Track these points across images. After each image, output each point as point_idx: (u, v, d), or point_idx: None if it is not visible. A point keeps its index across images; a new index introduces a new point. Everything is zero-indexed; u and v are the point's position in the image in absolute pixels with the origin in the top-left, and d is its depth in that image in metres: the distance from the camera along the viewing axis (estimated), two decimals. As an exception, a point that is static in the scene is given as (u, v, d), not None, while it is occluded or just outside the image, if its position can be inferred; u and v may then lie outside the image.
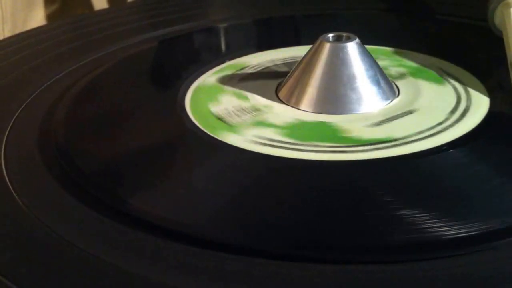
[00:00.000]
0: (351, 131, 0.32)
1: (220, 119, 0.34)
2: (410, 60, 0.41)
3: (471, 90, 0.37)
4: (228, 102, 0.36)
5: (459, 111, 0.34)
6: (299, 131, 0.33)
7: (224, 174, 0.30)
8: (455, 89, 0.37)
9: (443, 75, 0.39)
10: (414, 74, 0.39)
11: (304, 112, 0.35)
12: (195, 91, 0.38)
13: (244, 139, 0.32)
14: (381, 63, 0.37)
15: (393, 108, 0.35)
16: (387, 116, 0.34)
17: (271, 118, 0.34)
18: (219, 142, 0.32)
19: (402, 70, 0.40)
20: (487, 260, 0.24)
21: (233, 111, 0.35)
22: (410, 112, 0.34)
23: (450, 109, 0.34)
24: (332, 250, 0.25)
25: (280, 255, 0.24)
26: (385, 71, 0.37)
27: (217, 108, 0.36)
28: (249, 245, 0.25)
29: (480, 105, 0.35)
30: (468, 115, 0.34)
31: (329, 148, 0.31)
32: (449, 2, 0.54)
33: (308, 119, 0.34)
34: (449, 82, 0.38)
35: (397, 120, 0.33)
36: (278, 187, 0.29)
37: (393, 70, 0.39)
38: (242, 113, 0.35)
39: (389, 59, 0.41)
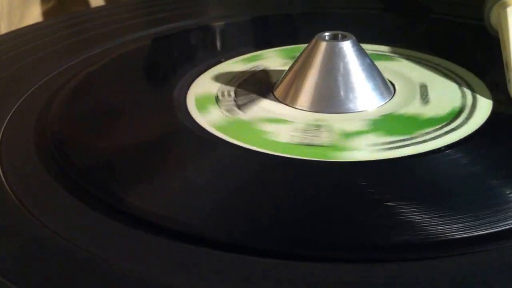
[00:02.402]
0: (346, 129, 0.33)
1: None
2: (406, 59, 0.41)
3: (467, 90, 0.37)
4: (226, 100, 0.36)
5: (458, 111, 0.34)
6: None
7: (222, 170, 0.30)
8: (452, 88, 0.37)
9: (441, 74, 0.39)
10: (411, 72, 0.39)
11: (300, 111, 0.35)
12: (189, 88, 0.38)
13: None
14: (377, 61, 0.37)
15: (389, 107, 0.35)
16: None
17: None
18: (216, 139, 0.32)
19: (398, 68, 0.40)
20: (487, 260, 0.24)
21: (231, 109, 0.35)
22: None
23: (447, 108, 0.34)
24: (331, 248, 0.25)
25: (280, 254, 0.24)
26: (381, 70, 0.37)
27: (215, 105, 0.36)
28: (247, 243, 0.25)
29: (476, 105, 0.35)
30: (469, 115, 0.34)
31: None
32: (445, 1, 0.54)
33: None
34: (447, 81, 0.38)
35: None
36: (276, 184, 0.29)
37: (389, 69, 0.39)
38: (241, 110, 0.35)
39: (385, 58, 0.41)
